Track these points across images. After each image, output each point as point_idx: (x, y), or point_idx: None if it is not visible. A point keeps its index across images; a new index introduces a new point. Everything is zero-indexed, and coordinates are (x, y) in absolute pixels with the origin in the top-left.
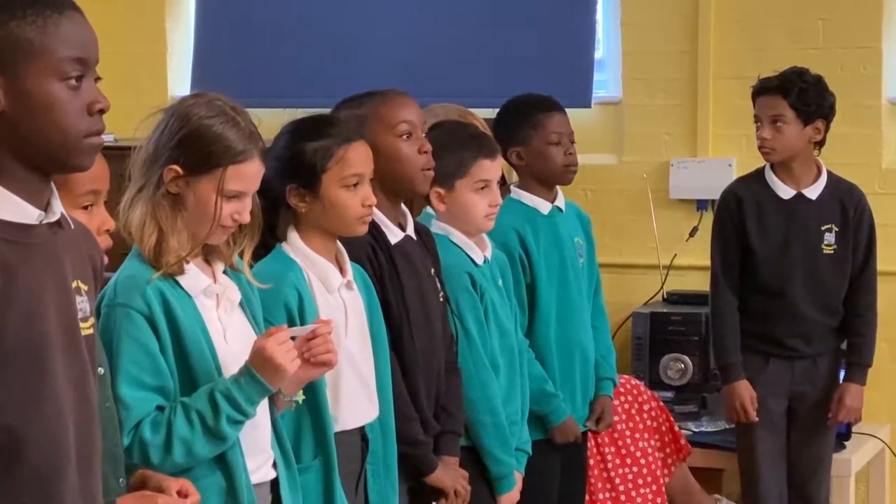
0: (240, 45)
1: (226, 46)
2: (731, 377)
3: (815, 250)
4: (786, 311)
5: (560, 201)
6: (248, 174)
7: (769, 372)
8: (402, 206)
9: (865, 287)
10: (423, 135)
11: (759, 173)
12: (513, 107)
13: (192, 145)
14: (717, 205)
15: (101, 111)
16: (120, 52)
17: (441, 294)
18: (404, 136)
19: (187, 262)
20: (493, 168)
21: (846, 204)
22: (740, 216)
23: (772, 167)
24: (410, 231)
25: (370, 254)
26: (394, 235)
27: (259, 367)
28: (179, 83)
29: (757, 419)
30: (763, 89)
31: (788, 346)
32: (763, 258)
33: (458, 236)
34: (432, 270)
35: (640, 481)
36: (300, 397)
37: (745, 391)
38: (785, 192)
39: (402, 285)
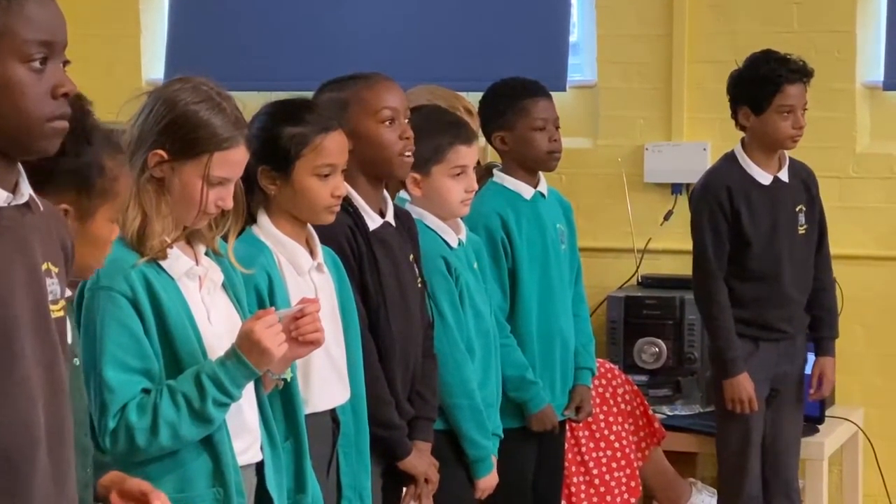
0: (215, 27)
1: (201, 28)
2: (736, 370)
3: (794, 232)
4: (775, 295)
5: (543, 187)
6: (234, 161)
7: (758, 357)
8: (384, 191)
9: (825, 261)
10: (406, 121)
11: (732, 161)
12: (498, 90)
13: (178, 131)
14: (701, 196)
15: (66, 95)
16: (92, 35)
17: (419, 280)
18: (386, 123)
19: (171, 248)
20: (469, 154)
21: (808, 183)
22: (732, 205)
23: (746, 153)
24: (390, 217)
25: (349, 238)
26: (373, 221)
27: (246, 350)
28: (153, 66)
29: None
30: (794, 78)
31: (778, 328)
32: (756, 245)
33: (432, 220)
34: (411, 257)
35: (615, 465)
36: (288, 375)
37: (749, 383)
38: (764, 177)
39: (380, 270)
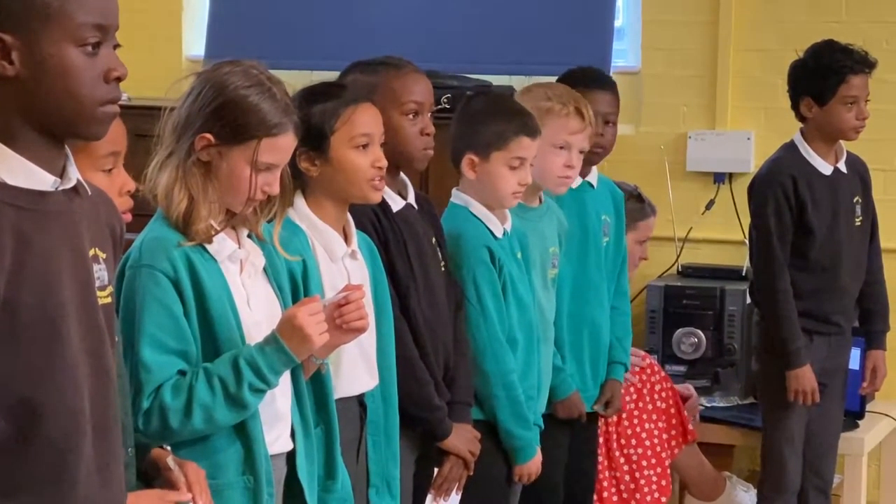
0: (257, 5)
1: (242, 5)
2: (801, 361)
3: (852, 223)
4: (834, 287)
5: (592, 177)
6: (282, 147)
7: (812, 351)
8: (402, 175)
9: (877, 254)
10: (429, 115)
11: (794, 150)
12: (559, 79)
13: (227, 115)
14: (765, 184)
15: (118, 79)
16: (133, 10)
17: (442, 263)
18: (410, 115)
19: (216, 233)
20: (531, 147)
21: (863, 175)
22: (797, 196)
23: (807, 143)
24: (411, 199)
25: (374, 220)
26: (395, 203)
27: (287, 335)
28: (194, 43)
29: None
30: (859, 68)
31: (834, 322)
32: (818, 234)
33: (478, 208)
34: (434, 240)
35: (645, 463)
36: (329, 359)
37: (811, 374)
38: (825, 167)
39: (407, 251)
